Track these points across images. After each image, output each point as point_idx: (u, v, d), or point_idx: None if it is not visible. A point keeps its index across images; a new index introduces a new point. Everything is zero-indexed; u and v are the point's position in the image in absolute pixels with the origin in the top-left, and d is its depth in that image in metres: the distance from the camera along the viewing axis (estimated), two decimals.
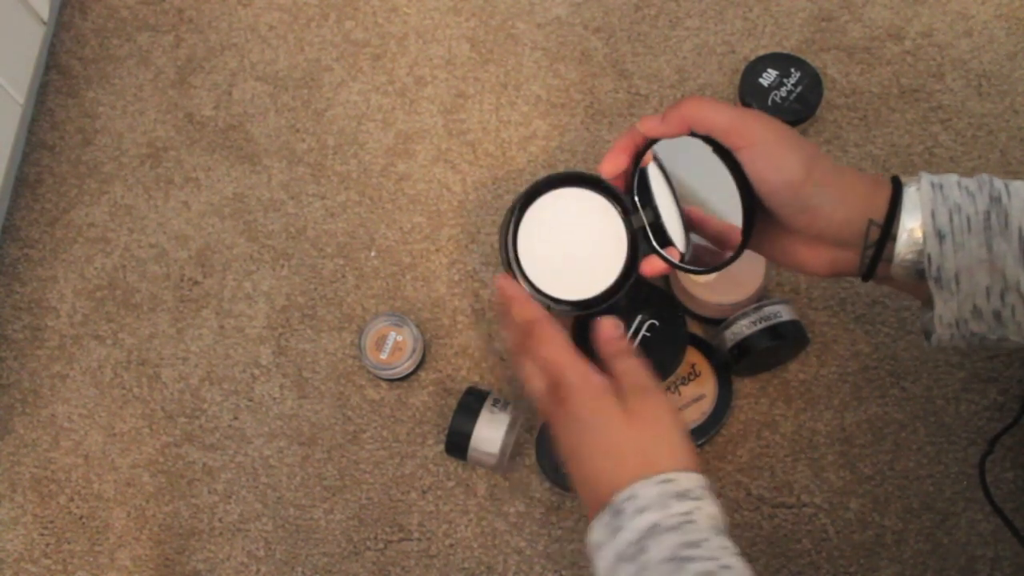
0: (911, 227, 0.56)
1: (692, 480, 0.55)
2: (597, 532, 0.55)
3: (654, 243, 0.63)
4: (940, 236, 0.55)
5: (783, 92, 0.84)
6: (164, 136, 0.92)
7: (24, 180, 0.91)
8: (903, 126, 0.86)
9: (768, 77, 0.85)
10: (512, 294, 0.63)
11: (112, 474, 0.81)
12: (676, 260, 0.63)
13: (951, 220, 0.55)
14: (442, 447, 0.78)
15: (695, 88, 0.89)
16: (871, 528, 0.74)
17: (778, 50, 0.89)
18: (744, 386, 0.79)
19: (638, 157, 0.62)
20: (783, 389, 0.78)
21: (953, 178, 0.57)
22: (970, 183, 0.56)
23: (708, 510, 0.54)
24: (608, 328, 0.63)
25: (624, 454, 0.56)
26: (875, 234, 0.57)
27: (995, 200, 0.55)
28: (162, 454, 0.81)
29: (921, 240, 0.56)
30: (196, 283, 0.86)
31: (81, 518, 0.80)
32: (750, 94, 0.84)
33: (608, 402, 0.58)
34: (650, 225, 0.63)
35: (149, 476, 0.81)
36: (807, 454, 0.76)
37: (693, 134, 0.60)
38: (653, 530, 0.52)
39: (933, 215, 0.55)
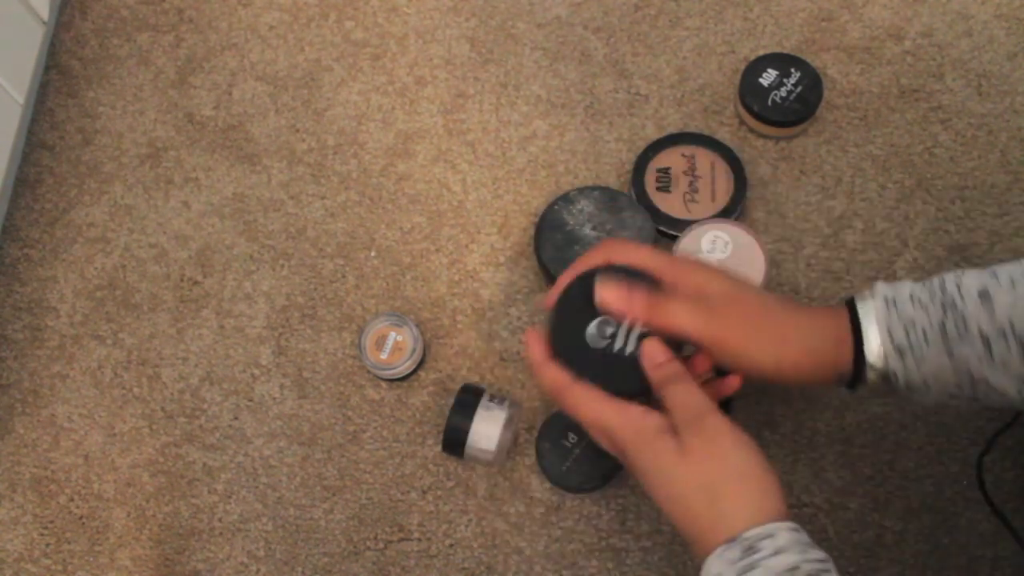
0: (874, 346, 0.57)
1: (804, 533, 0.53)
2: (718, 566, 0.52)
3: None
4: (900, 352, 0.56)
5: (783, 92, 0.84)
6: (164, 136, 0.92)
7: (24, 180, 0.91)
8: (903, 126, 0.86)
9: (768, 77, 0.85)
10: (531, 355, 0.62)
11: (112, 474, 0.81)
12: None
13: (908, 335, 0.56)
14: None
15: (695, 88, 0.89)
16: (871, 528, 0.74)
17: (778, 50, 0.89)
18: (744, 386, 0.78)
19: None
20: (783, 389, 0.78)
21: (906, 289, 0.57)
22: (923, 294, 0.56)
23: (836, 564, 0.52)
24: (653, 353, 0.60)
25: (687, 498, 0.54)
26: (846, 379, 0.60)
27: (949, 307, 0.55)
28: (162, 454, 0.81)
29: (884, 356, 0.57)
30: (196, 283, 0.86)
31: (81, 518, 0.80)
32: (750, 94, 0.84)
33: (663, 445, 0.56)
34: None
35: (149, 476, 0.81)
36: (807, 454, 0.76)
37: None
38: (793, 572, 0.50)
39: (890, 333, 0.56)
